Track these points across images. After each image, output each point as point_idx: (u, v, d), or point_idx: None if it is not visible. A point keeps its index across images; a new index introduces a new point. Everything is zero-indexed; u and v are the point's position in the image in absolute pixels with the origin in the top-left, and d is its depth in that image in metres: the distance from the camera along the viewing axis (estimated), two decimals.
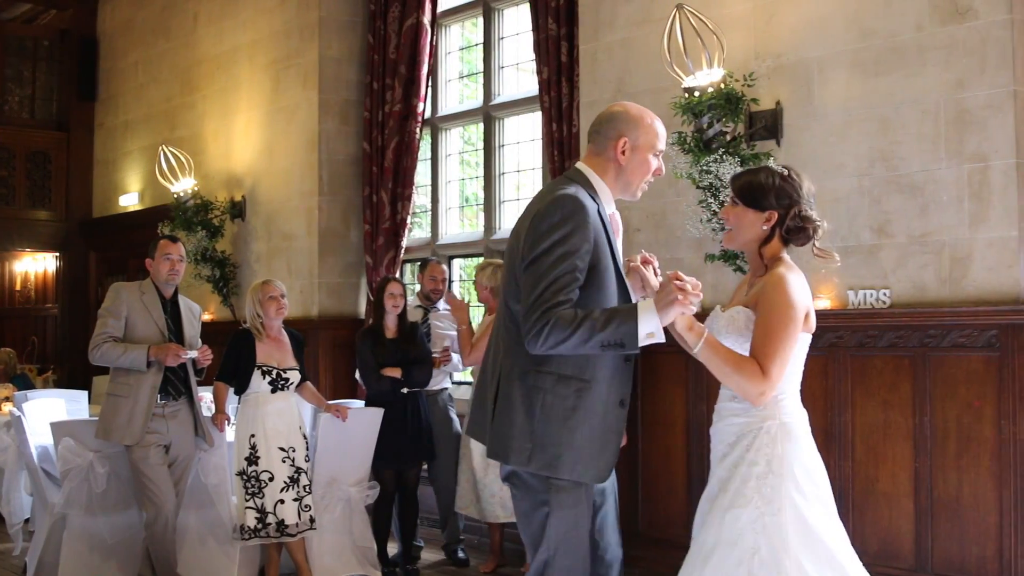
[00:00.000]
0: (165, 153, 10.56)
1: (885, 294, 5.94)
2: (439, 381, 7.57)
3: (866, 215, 6.03)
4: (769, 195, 3.57)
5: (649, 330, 3.34)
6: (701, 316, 3.53)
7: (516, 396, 3.58)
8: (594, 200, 3.61)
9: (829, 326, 6.06)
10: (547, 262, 3.45)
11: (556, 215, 3.49)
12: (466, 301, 7.39)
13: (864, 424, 5.98)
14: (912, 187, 5.86)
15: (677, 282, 3.33)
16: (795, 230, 3.58)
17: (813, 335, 3.59)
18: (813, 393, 6.11)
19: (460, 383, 8.69)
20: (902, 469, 5.85)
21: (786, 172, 3.60)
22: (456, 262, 9.37)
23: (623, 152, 3.67)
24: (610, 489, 3.82)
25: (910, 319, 5.81)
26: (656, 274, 3.71)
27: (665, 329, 3.39)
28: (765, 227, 3.58)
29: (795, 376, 3.54)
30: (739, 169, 6.17)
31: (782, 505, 3.37)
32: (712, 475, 3.61)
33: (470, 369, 7.46)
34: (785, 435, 3.46)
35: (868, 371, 5.97)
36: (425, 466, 7.52)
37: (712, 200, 6.28)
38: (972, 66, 5.66)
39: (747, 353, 3.44)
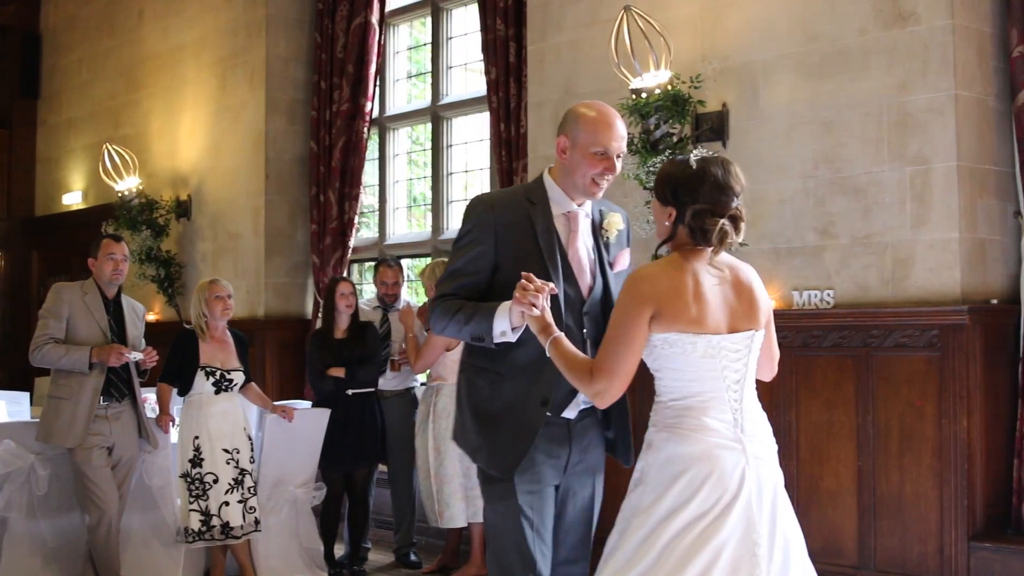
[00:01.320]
0: (109, 151, 10.44)
1: (829, 295, 6.00)
2: (405, 381, 7.53)
3: (810, 216, 6.09)
4: (665, 189, 3.31)
5: (502, 328, 3.46)
6: None
7: (458, 387, 3.80)
8: (530, 202, 3.68)
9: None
10: (451, 255, 3.77)
11: (464, 216, 3.75)
12: (414, 305, 7.35)
13: (808, 423, 6.03)
14: (856, 189, 5.93)
15: (522, 281, 3.34)
16: (696, 231, 3.24)
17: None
18: (758, 393, 6.16)
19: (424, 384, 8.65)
20: (845, 467, 5.91)
21: (695, 165, 3.26)
22: (404, 262, 9.33)
23: (564, 151, 3.67)
24: (585, 501, 3.78)
25: (853, 319, 5.87)
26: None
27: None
28: (667, 223, 3.31)
29: (692, 382, 3.23)
30: None
31: (639, 513, 3.20)
32: None
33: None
34: (664, 443, 3.22)
35: (812, 371, 6.03)
36: (384, 468, 7.49)
37: None
38: (914, 70, 5.74)
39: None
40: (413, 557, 7.40)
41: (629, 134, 6.38)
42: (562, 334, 3.34)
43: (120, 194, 10.34)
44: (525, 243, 3.61)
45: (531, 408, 3.58)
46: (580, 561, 3.81)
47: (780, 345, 6.04)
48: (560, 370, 3.34)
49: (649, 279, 3.22)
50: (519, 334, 3.47)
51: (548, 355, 3.34)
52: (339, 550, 7.34)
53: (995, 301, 5.76)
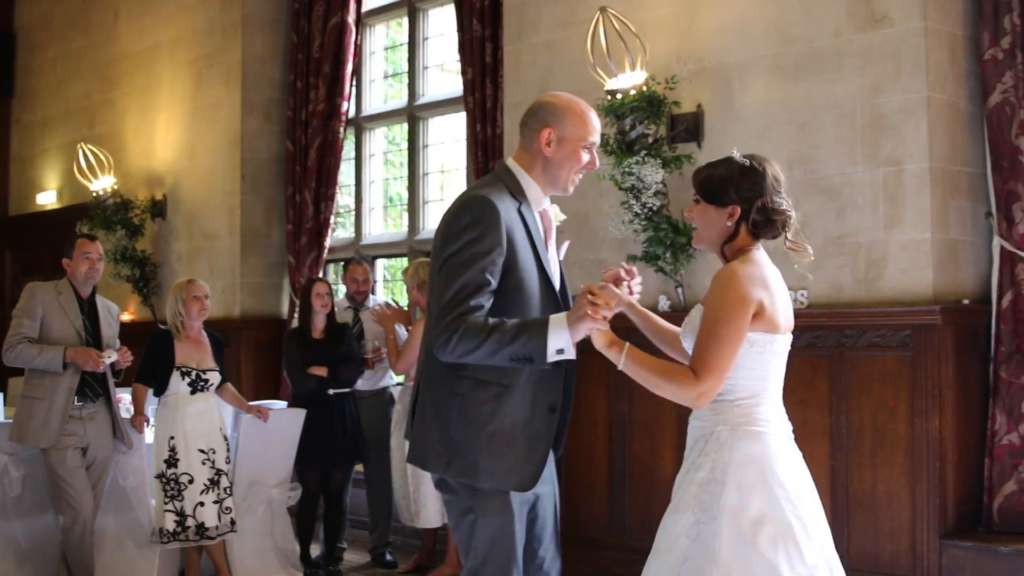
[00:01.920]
0: (84, 151, 10.39)
1: (803, 295, 6.03)
2: (380, 380, 7.52)
3: None
4: (729, 188, 3.31)
5: (559, 346, 3.21)
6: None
7: (435, 400, 3.49)
8: (516, 199, 3.48)
9: None
10: (456, 264, 3.33)
11: (466, 217, 3.37)
12: (393, 305, 7.35)
13: None
14: (830, 190, 5.97)
15: (589, 296, 3.16)
16: (761, 223, 3.31)
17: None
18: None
19: (400, 384, 8.65)
20: (819, 466, 5.94)
21: (748, 162, 3.33)
22: (380, 262, 9.34)
23: (548, 144, 3.49)
24: (549, 497, 3.71)
25: (827, 319, 5.91)
26: (632, 292, 3.58)
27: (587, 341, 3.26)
28: (728, 223, 3.32)
29: (761, 381, 3.30)
30: (660, 171, 6.25)
31: (719, 514, 3.17)
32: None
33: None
34: (738, 442, 3.24)
35: (786, 370, 6.04)
36: (360, 467, 7.49)
37: (634, 201, 6.34)
38: (887, 72, 5.78)
39: None
40: (389, 557, 7.40)
41: (605, 135, 6.46)
42: (630, 344, 3.24)
43: (95, 194, 10.29)
44: (523, 244, 3.44)
45: (540, 417, 3.46)
46: (556, 559, 3.77)
47: None
48: (642, 378, 3.21)
49: (751, 279, 3.23)
50: (576, 349, 3.26)
51: (622, 368, 3.21)
52: (315, 550, 7.33)
53: (967, 301, 5.81)
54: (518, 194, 3.51)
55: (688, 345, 3.36)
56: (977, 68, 5.86)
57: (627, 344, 3.24)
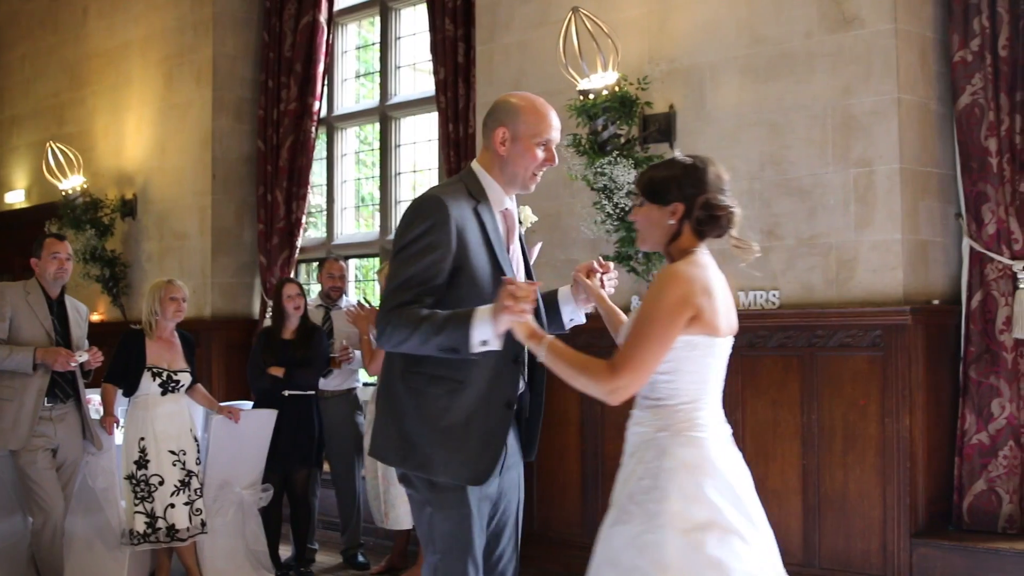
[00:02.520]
0: (53, 149, 10.32)
1: (774, 295, 6.06)
2: (345, 381, 7.49)
3: (756, 218, 6.14)
4: (671, 187, 3.30)
5: (483, 338, 3.24)
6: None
7: (392, 396, 3.54)
8: (474, 199, 3.51)
9: None
10: (401, 260, 3.42)
11: (415, 215, 3.43)
12: (366, 305, 7.32)
13: (754, 423, 6.09)
14: (801, 191, 5.99)
15: (509, 287, 3.18)
16: (705, 220, 3.29)
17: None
18: None
19: (367, 384, 8.63)
20: (791, 466, 5.97)
21: (690, 160, 3.33)
22: (352, 262, 9.31)
23: (503, 143, 3.52)
24: (513, 499, 3.71)
25: (798, 320, 5.93)
26: (603, 285, 3.63)
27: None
28: (672, 221, 3.30)
29: (701, 385, 3.27)
30: (633, 172, 6.25)
31: (664, 523, 3.11)
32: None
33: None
34: (679, 448, 3.19)
35: (758, 370, 6.09)
36: (328, 468, 7.47)
37: (606, 202, 6.34)
38: (858, 73, 5.81)
39: None
40: (361, 558, 7.38)
41: (577, 135, 6.46)
42: (552, 336, 3.25)
43: (64, 193, 10.22)
44: (477, 243, 3.45)
45: (496, 412, 3.47)
46: (513, 559, 3.77)
47: None
48: (560, 371, 3.21)
49: (690, 280, 3.20)
50: (502, 341, 3.29)
51: (542, 360, 3.23)
52: (287, 552, 7.30)
53: (937, 301, 5.85)
54: (477, 194, 3.54)
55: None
56: (947, 70, 5.91)
57: (548, 336, 3.25)
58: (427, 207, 3.44)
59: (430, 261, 3.37)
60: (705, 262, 3.30)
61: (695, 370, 3.25)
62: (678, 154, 3.38)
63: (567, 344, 3.26)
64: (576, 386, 3.23)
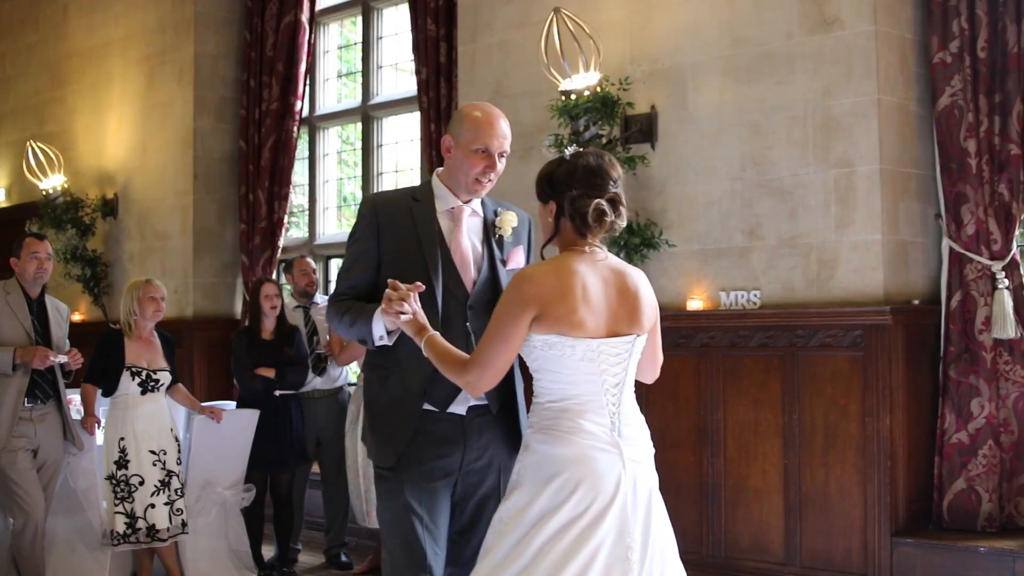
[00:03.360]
0: (33, 148, 10.27)
1: (756, 295, 6.08)
2: (335, 381, 7.47)
3: (738, 218, 6.17)
4: (545, 185, 3.36)
5: (379, 333, 3.52)
6: None
7: (363, 387, 3.84)
8: (414, 199, 3.73)
9: (701, 326, 6.20)
10: (344, 254, 3.80)
11: (358, 213, 3.78)
12: None
13: (735, 422, 6.11)
14: (782, 191, 6.01)
15: (386, 290, 3.39)
16: (575, 218, 3.27)
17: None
18: (686, 392, 6.24)
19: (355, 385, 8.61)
20: (772, 466, 6.00)
21: (567, 157, 3.35)
22: (333, 262, 9.30)
23: (448, 150, 3.71)
24: (481, 494, 3.69)
25: (779, 319, 5.95)
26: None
27: None
28: (550, 219, 3.36)
29: (569, 384, 3.22)
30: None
31: (512, 515, 3.21)
32: None
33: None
34: (538, 445, 3.22)
35: (739, 370, 6.11)
36: (317, 468, 7.45)
37: None
38: (839, 75, 5.84)
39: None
40: (344, 558, 7.37)
41: (559, 135, 6.47)
42: (436, 333, 3.39)
43: (45, 192, 10.18)
44: (406, 239, 3.65)
45: (410, 400, 3.61)
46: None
47: (707, 345, 6.18)
48: (436, 365, 3.37)
49: (535, 279, 3.21)
50: (395, 337, 3.53)
51: (424, 354, 3.38)
52: (270, 552, 7.29)
53: (917, 302, 5.88)
54: (420, 195, 3.76)
55: None
56: (926, 71, 5.94)
57: (429, 332, 3.37)
58: (360, 207, 3.81)
59: (355, 254, 3.71)
60: (574, 263, 3.26)
61: (557, 370, 3.23)
62: (568, 151, 3.41)
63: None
64: (449, 378, 3.37)
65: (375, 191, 3.58)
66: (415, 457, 3.58)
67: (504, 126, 3.66)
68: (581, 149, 3.42)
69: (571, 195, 3.27)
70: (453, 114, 3.82)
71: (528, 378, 3.44)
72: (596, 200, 3.25)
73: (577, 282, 3.21)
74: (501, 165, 3.67)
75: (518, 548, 3.14)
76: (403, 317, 3.37)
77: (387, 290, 3.39)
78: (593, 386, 3.23)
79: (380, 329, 3.50)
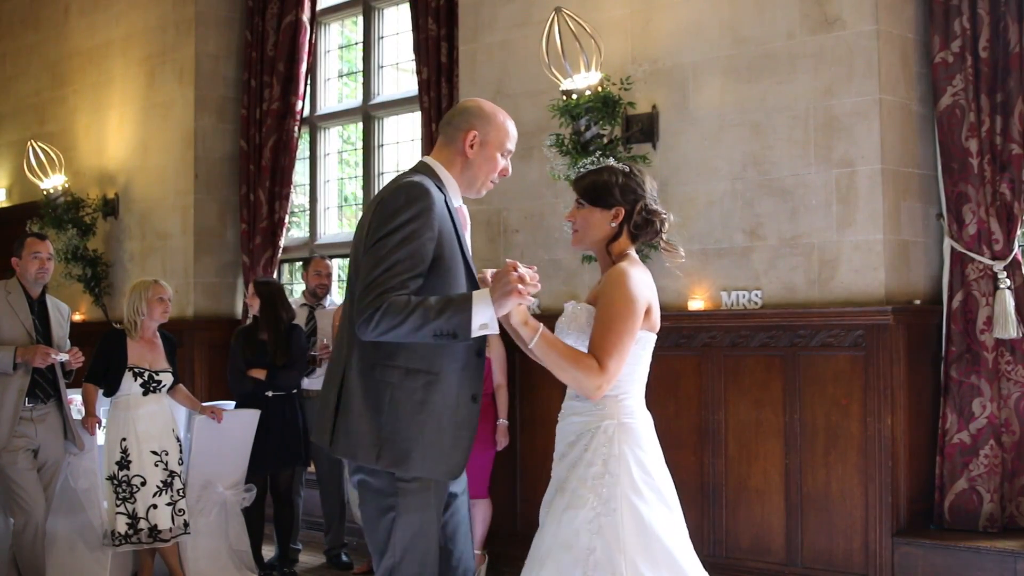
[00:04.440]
0: (34, 148, 10.27)
1: (757, 295, 6.07)
2: None
3: (739, 218, 6.16)
4: (614, 192, 3.55)
5: (483, 321, 3.24)
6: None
7: (365, 391, 3.45)
8: (441, 191, 3.51)
9: (702, 326, 6.19)
10: (388, 246, 3.33)
11: (401, 199, 3.38)
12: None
13: (737, 422, 6.11)
14: (783, 191, 6.01)
15: (515, 272, 3.22)
16: (642, 224, 3.56)
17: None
18: (687, 392, 6.24)
19: None
20: (773, 466, 5.99)
21: (628, 169, 3.61)
22: (335, 262, 9.29)
23: (471, 145, 3.57)
24: (462, 496, 3.70)
25: (781, 319, 5.95)
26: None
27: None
28: (613, 224, 3.55)
29: (638, 376, 3.51)
30: None
31: (618, 506, 3.33)
32: (553, 475, 3.55)
33: None
34: (624, 435, 3.41)
35: (740, 370, 6.10)
36: (313, 469, 7.45)
37: None
38: (840, 74, 5.83)
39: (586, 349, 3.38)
40: (344, 558, 7.38)
41: (560, 135, 6.47)
42: (541, 325, 3.35)
43: (45, 192, 10.18)
44: (450, 233, 3.47)
45: (464, 406, 3.49)
46: (472, 558, 3.76)
47: (708, 345, 6.19)
48: (550, 361, 3.31)
49: (639, 279, 3.44)
50: (498, 325, 3.29)
51: (532, 346, 3.31)
52: (270, 552, 7.29)
53: (918, 301, 5.87)
54: (441, 187, 3.57)
55: (570, 341, 3.45)
56: (928, 71, 5.93)
57: (542, 325, 3.34)
58: (415, 193, 3.40)
59: (418, 246, 3.34)
60: (642, 263, 3.58)
61: (633, 363, 3.47)
62: (612, 162, 3.67)
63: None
64: (563, 378, 3.38)
65: (416, 180, 3.19)
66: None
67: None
68: (623, 164, 3.65)
69: (642, 204, 3.56)
70: (471, 108, 3.63)
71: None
72: (664, 215, 3.59)
73: (651, 281, 3.52)
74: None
75: (645, 536, 3.35)
76: (530, 300, 3.26)
77: (516, 272, 3.21)
78: (644, 376, 3.57)
79: (485, 316, 3.23)
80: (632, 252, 3.58)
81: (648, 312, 3.45)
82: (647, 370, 3.56)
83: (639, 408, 3.51)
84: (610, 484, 3.35)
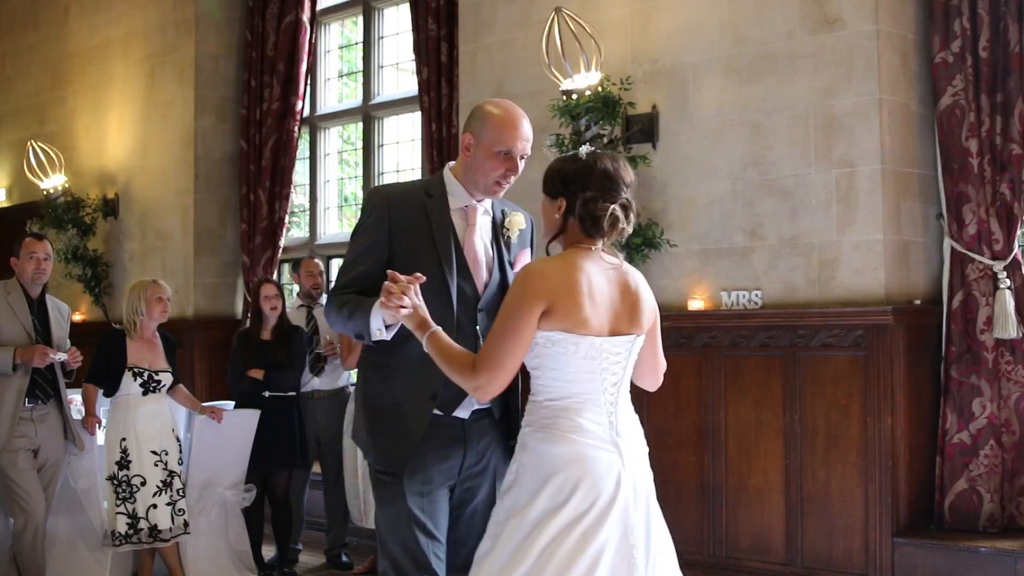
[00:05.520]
0: (34, 148, 10.27)
1: (757, 295, 6.07)
2: (337, 381, 7.46)
3: (739, 218, 6.16)
4: (557, 180, 3.29)
5: (377, 327, 3.36)
6: None
7: (358, 382, 3.73)
8: (428, 194, 3.59)
9: (702, 326, 6.19)
10: (348, 247, 3.67)
11: (362, 207, 3.70)
12: None
13: (737, 422, 6.10)
14: (783, 191, 6.01)
15: (386, 283, 3.23)
16: (586, 219, 3.22)
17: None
18: (687, 392, 6.24)
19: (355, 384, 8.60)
20: (773, 466, 5.99)
21: (584, 156, 3.29)
22: (335, 261, 9.29)
23: (467, 148, 3.56)
24: (479, 498, 3.64)
25: (781, 320, 5.95)
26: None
27: None
28: (557, 216, 3.28)
29: (571, 383, 3.20)
30: None
31: (513, 515, 3.16)
32: None
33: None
34: (538, 444, 3.18)
35: (740, 370, 6.10)
36: (318, 468, 7.45)
37: None
38: (840, 74, 5.83)
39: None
40: (345, 558, 7.37)
41: (560, 135, 6.46)
42: (439, 328, 3.24)
43: (45, 192, 10.18)
44: (420, 236, 3.52)
45: (419, 403, 3.48)
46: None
47: (708, 345, 6.17)
48: (438, 363, 3.23)
49: (543, 274, 3.17)
50: (394, 332, 3.37)
51: (426, 350, 3.23)
52: (270, 552, 7.29)
53: (918, 302, 5.87)
54: (433, 191, 3.61)
55: None
56: (928, 71, 5.93)
57: (434, 328, 3.23)
58: (368, 199, 3.70)
59: (362, 247, 3.57)
60: (579, 259, 3.23)
61: (558, 367, 3.19)
62: (583, 149, 3.35)
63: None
64: (453, 380, 3.24)
65: (383, 184, 3.37)
66: (417, 462, 3.49)
67: (527, 127, 3.56)
68: (596, 150, 3.34)
69: (584, 196, 3.22)
70: (473, 110, 3.61)
71: (524, 376, 3.41)
72: (612, 206, 3.21)
73: (583, 279, 3.17)
74: (521, 167, 3.57)
75: (521, 550, 3.09)
76: (403, 311, 3.20)
77: (386, 282, 3.23)
78: (593, 384, 3.21)
79: (378, 322, 3.33)
80: (585, 248, 3.26)
81: (551, 312, 3.13)
82: (602, 378, 3.21)
83: (575, 419, 3.17)
84: (515, 495, 3.19)
